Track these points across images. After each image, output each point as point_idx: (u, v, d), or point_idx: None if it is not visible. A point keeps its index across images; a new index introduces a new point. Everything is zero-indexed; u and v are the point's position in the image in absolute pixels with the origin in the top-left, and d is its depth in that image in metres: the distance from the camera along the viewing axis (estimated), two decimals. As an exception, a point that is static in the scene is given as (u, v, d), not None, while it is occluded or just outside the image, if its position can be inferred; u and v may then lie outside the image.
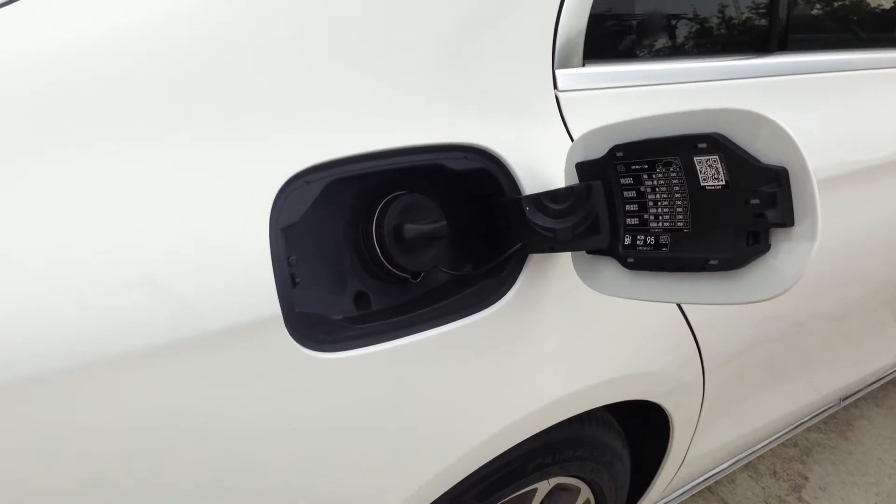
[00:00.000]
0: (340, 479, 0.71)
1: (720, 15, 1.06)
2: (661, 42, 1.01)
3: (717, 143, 0.61)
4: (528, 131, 0.77)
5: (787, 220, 0.58)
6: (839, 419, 2.28)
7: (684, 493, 1.49)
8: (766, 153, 0.59)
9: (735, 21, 1.09)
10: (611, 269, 0.73)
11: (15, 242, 0.51)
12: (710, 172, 0.63)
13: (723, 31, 1.07)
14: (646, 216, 0.69)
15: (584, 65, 0.83)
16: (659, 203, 0.67)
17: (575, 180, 0.74)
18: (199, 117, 0.59)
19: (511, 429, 0.82)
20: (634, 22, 0.97)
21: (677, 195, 0.66)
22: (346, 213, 0.71)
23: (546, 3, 0.79)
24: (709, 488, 1.93)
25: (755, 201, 0.59)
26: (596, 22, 0.83)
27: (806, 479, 2.01)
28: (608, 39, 0.91)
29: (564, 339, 0.83)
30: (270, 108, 0.62)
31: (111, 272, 0.53)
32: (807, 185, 0.57)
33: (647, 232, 0.69)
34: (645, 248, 0.69)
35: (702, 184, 0.64)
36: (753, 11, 1.10)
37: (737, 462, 1.61)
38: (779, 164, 0.58)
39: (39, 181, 0.53)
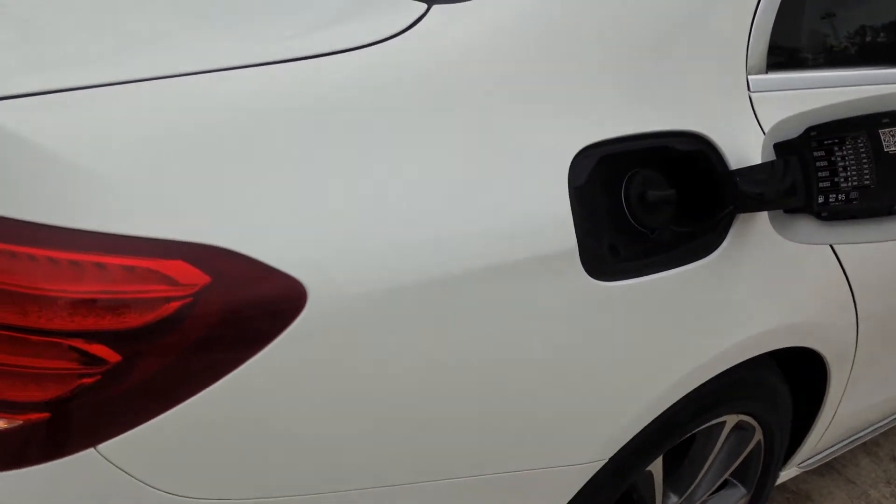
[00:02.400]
0: (604, 394, 0.95)
1: (877, 31, 1.28)
2: (827, 56, 1.23)
3: None
4: (731, 121, 1.00)
5: None
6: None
7: (829, 453, 1.66)
8: None
9: (886, 35, 1.31)
10: (805, 223, 0.95)
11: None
12: (893, 140, 0.85)
13: (879, 44, 1.29)
14: (836, 179, 0.91)
15: (766, 72, 1.06)
16: (848, 168, 0.89)
17: (772, 157, 0.97)
18: (541, 110, 0.86)
19: (719, 357, 1.04)
20: (806, 39, 1.20)
21: (864, 159, 0.88)
22: (604, 181, 0.95)
23: (741, 27, 1.03)
24: (836, 469, 2.08)
25: (931, 158, 0.81)
26: (775, 39, 1.07)
27: (928, 464, 2.13)
28: (785, 53, 1.14)
29: (758, 285, 1.05)
30: (571, 103, 0.88)
31: (467, 207, 0.79)
32: None
33: (838, 191, 0.90)
34: (837, 203, 0.91)
35: (885, 150, 0.86)
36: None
37: (873, 432, 1.76)
38: None
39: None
